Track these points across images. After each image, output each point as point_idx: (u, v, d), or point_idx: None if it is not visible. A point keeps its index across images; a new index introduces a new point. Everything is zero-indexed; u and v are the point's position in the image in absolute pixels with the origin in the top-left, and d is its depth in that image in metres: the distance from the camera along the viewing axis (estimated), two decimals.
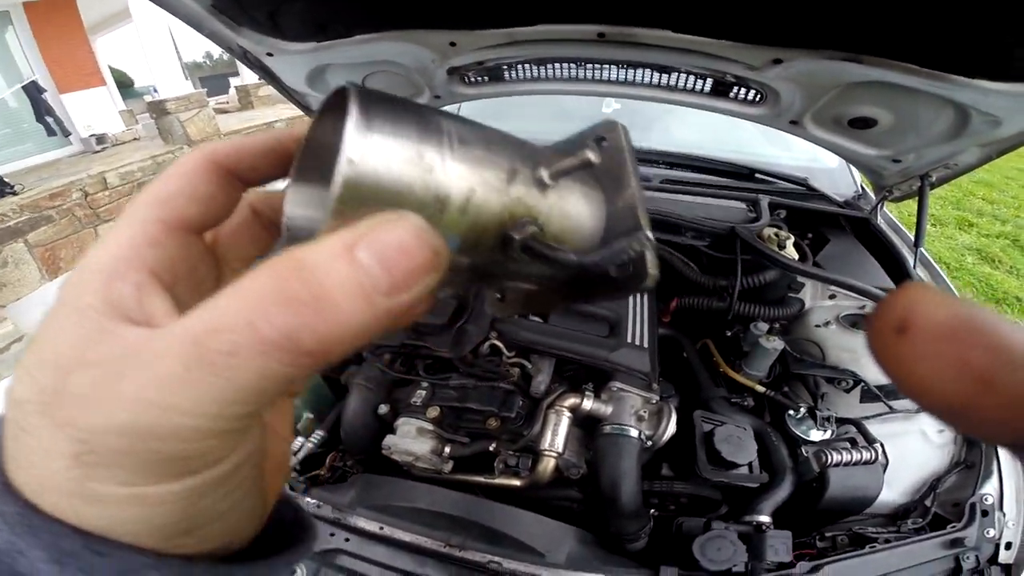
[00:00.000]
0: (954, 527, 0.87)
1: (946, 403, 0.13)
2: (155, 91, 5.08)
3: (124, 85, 8.85)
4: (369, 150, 0.19)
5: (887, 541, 0.88)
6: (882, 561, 0.83)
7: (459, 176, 0.22)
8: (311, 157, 0.25)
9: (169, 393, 0.14)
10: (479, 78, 1.32)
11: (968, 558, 0.82)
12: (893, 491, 0.98)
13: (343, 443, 1.00)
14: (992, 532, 0.86)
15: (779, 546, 0.81)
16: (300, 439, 1.00)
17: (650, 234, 0.29)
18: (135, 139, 5.89)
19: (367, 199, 0.19)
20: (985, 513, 0.89)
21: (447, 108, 1.96)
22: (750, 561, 0.80)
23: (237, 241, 0.26)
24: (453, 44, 1.14)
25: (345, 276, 0.16)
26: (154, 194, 0.21)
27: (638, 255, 0.28)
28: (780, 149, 1.81)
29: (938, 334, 0.13)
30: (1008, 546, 0.86)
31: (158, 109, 4.93)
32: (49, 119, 5.38)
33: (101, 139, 5.55)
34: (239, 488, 0.18)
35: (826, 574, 0.81)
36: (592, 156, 0.28)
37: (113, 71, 7.50)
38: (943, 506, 0.95)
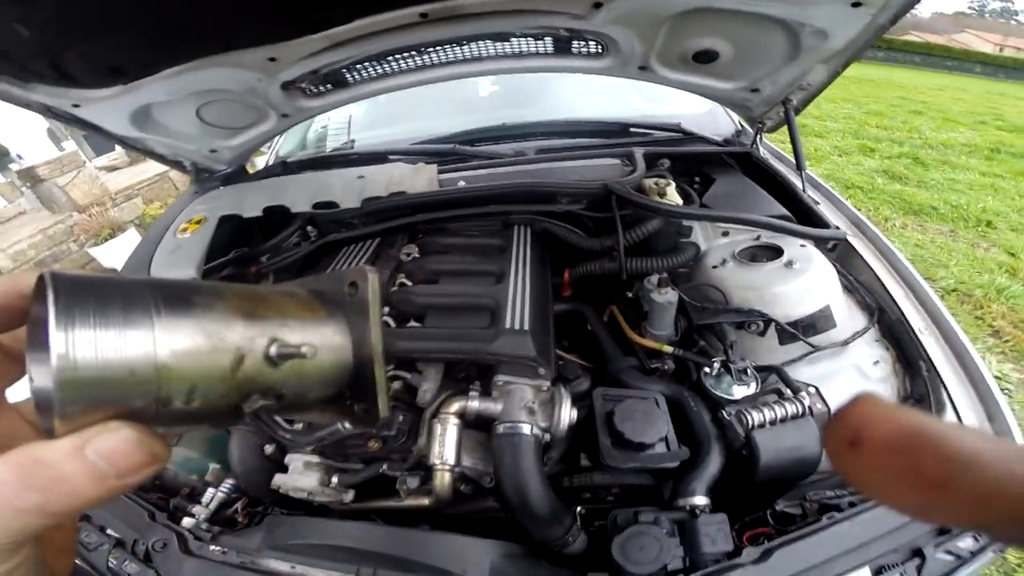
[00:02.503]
0: None
1: (906, 506, 0.14)
2: (20, 158, 4.60)
3: None
4: (77, 352, 0.20)
5: (852, 505, 0.76)
6: (845, 532, 0.71)
7: (179, 378, 0.23)
8: (38, 331, 0.24)
9: None
10: (321, 88, 1.23)
11: None
12: None
13: (243, 488, 0.95)
14: None
15: (715, 533, 0.71)
16: (211, 489, 0.94)
17: (383, 384, 0.31)
18: (21, 213, 5.38)
19: (87, 396, 0.21)
20: None
21: (303, 125, 1.88)
22: (687, 554, 0.70)
23: None
24: (273, 59, 1.05)
25: (79, 468, 0.20)
26: None
27: (365, 410, 0.32)
28: (655, 104, 1.80)
29: (889, 448, 0.14)
30: None
31: (30, 177, 4.46)
32: None
33: None
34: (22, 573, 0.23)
35: (777, 559, 0.69)
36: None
37: None
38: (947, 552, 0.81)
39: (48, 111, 1.14)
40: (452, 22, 0.99)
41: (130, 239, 4.63)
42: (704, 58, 1.09)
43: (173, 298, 0.24)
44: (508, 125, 1.66)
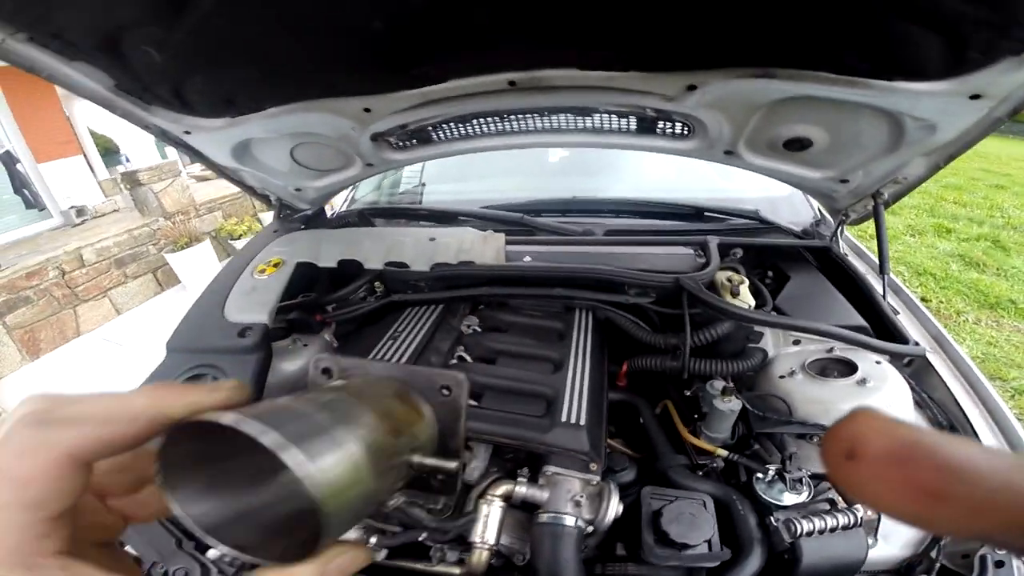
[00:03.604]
0: None
1: (904, 516, 0.14)
2: (127, 160, 5.06)
3: (109, 151, 8.78)
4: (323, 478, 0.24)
5: None
6: None
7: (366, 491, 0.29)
8: (181, 465, 0.27)
9: None
10: (406, 142, 1.29)
11: None
12: (892, 544, 0.86)
13: None
14: None
15: None
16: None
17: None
18: (115, 211, 5.85)
19: (345, 517, 0.26)
20: (1000, 564, 0.78)
21: (382, 175, 1.99)
22: None
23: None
24: (368, 110, 1.11)
25: None
26: (23, 498, 0.23)
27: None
28: (731, 184, 1.76)
29: (885, 460, 0.14)
30: None
31: (131, 180, 4.89)
32: (25, 191, 5.27)
33: (81, 211, 5.43)
34: None
35: None
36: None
37: (96, 137, 7.49)
38: (951, 558, 0.84)
39: (163, 134, 1.24)
40: (538, 92, 1.01)
41: (204, 250, 4.97)
42: (796, 146, 1.06)
43: (344, 421, 0.29)
44: (578, 199, 1.67)
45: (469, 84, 1.01)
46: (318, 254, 1.31)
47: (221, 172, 1.44)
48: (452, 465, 0.37)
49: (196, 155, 1.35)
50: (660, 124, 1.08)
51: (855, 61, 0.81)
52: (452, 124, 1.19)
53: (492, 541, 0.77)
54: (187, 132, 1.22)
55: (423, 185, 2.05)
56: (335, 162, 1.37)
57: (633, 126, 1.10)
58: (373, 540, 0.86)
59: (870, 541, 0.83)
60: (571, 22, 0.81)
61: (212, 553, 0.87)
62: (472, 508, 0.81)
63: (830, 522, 0.81)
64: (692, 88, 0.93)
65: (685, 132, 1.10)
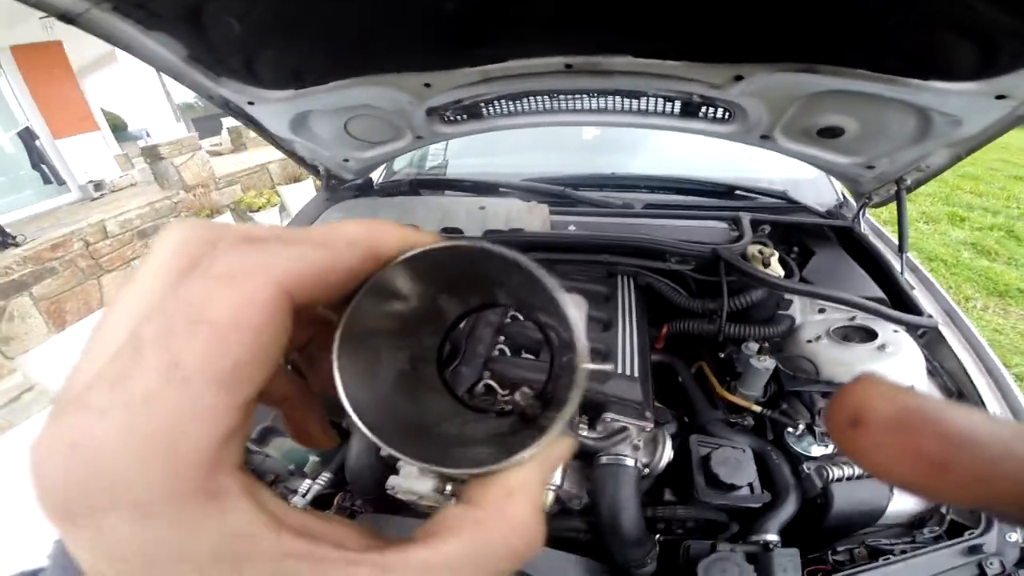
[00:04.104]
0: (972, 533, 0.84)
1: (906, 484, 0.14)
2: (147, 135, 5.12)
3: (117, 128, 8.87)
4: None
5: (903, 552, 0.85)
6: (898, 573, 0.81)
7: None
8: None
9: None
10: (458, 116, 1.35)
11: (992, 564, 0.80)
12: (907, 500, 0.94)
13: (349, 485, 1.00)
14: (1015, 536, 0.83)
15: (787, 564, 0.79)
16: (307, 481, 0.99)
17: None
18: (132, 185, 5.94)
19: None
20: None
21: (430, 147, 2.04)
22: None
23: None
24: (428, 85, 1.17)
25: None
26: (218, 363, 0.15)
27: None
28: (758, 164, 1.83)
29: (888, 427, 0.14)
30: None
31: (152, 154, 4.98)
32: (44, 166, 5.39)
33: (99, 186, 5.56)
34: None
35: None
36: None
37: (106, 114, 7.49)
38: (960, 512, 0.93)
39: (227, 105, 1.29)
40: (592, 76, 1.08)
41: (225, 221, 5.04)
42: (828, 134, 1.13)
43: None
44: (618, 175, 1.74)
45: (528, 65, 1.08)
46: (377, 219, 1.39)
47: (275, 142, 1.51)
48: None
49: (254, 125, 1.41)
50: (703, 109, 1.15)
51: (894, 62, 0.89)
52: (504, 101, 1.25)
53: (558, 482, 0.85)
54: (251, 103, 1.27)
55: (446, 159, 2.11)
56: (386, 134, 1.44)
57: (677, 110, 1.17)
58: (449, 487, 0.90)
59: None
60: (632, 14, 0.88)
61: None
62: None
63: (857, 469, 0.89)
64: (739, 78, 1.00)
65: (726, 117, 1.17)
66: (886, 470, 0.14)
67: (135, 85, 4.79)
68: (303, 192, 6.15)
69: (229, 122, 9.39)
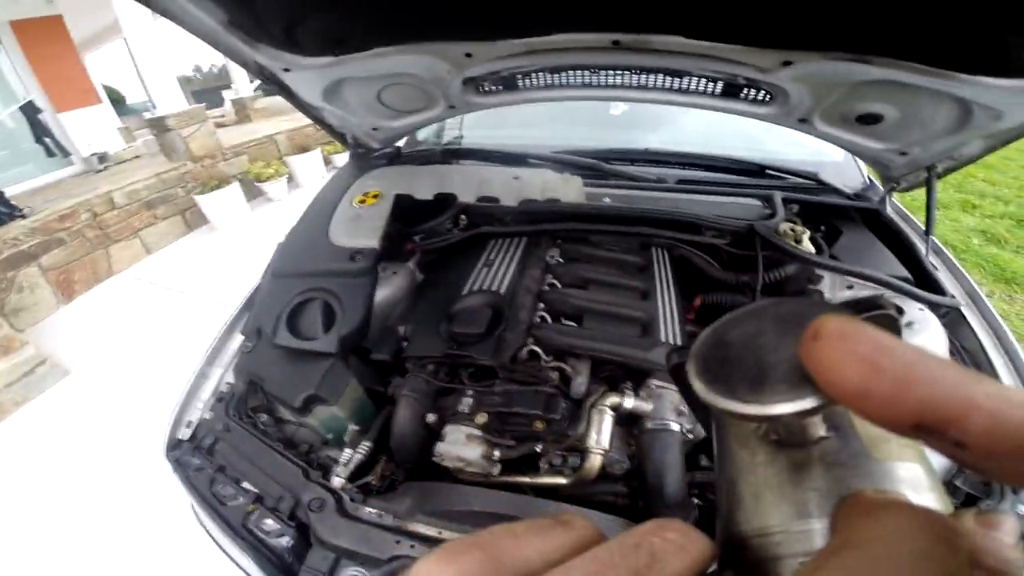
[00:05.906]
0: (987, 504, 0.85)
1: (849, 387, 0.16)
2: (153, 107, 5.07)
3: (116, 102, 8.84)
4: None
5: None
6: None
7: None
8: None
9: None
10: (494, 87, 1.34)
11: None
12: None
13: (393, 452, 1.01)
14: None
15: None
16: (348, 450, 0.99)
17: None
18: (136, 157, 5.90)
19: None
20: (1016, 489, 0.87)
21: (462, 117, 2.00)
22: None
23: None
24: (469, 55, 1.16)
25: None
26: None
27: None
28: (787, 144, 1.84)
29: (836, 335, 0.17)
30: None
31: (159, 126, 4.91)
32: (47, 139, 5.38)
33: (103, 158, 5.55)
34: None
35: None
36: None
37: (105, 89, 7.47)
38: (972, 484, 0.93)
39: (260, 71, 1.26)
40: (639, 53, 1.07)
41: (233, 191, 5.02)
42: (867, 120, 1.14)
43: None
44: (652, 151, 1.74)
45: (574, 39, 1.07)
46: (413, 188, 1.38)
47: (304, 109, 1.48)
48: None
49: (286, 93, 1.39)
50: (745, 90, 1.15)
51: (951, 58, 0.89)
52: (543, 73, 1.24)
53: (606, 446, 0.87)
54: (286, 70, 1.25)
55: (462, 134, 2.10)
56: (418, 103, 1.42)
57: (719, 90, 1.17)
58: (497, 453, 0.93)
59: None
60: None
61: (336, 481, 0.93)
62: (585, 419, 0.91)
63: None
64: (787, 63, 1.00)
65: (766, 99, 1.17)
66: (832, 371, 0.17)
67: (139, 59, 4.72)
68: (311, 163, 6.12)
69: (230, 94, 9.27)
